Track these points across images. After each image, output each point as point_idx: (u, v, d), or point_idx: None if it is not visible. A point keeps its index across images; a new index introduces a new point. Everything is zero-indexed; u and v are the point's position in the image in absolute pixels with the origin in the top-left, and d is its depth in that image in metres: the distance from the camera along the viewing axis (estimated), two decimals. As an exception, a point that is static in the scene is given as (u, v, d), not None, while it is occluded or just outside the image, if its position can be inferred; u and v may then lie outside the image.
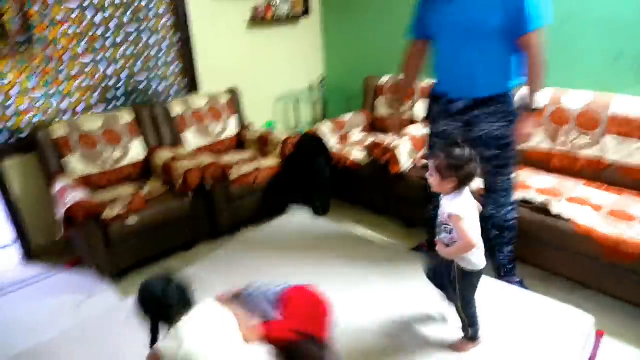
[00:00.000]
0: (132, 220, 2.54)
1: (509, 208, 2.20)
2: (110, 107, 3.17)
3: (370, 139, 3.43)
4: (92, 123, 2.89)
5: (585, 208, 2.30)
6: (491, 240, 2.29)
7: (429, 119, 2.27)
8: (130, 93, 3.26)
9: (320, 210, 3.28)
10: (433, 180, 1.63)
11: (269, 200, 3.18)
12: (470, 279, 1.67)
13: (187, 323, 1.31)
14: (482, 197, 2.24)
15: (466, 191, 1.63)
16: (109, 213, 2.51)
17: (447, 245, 1.64)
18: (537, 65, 1.92)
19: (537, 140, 2.79)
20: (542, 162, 2.76)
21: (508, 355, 1.72)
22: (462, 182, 1.59)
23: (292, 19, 3.96)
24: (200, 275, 2.39)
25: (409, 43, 2.24)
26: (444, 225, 1.65)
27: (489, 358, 1.70)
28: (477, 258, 1.64)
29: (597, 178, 2.57)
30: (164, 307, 1.32)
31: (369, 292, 2.13)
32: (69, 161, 2.78)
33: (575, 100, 2.65)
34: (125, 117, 3.03)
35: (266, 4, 3.75)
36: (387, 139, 2.96)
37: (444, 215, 1.63)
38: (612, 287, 2.17)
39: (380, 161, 2.92)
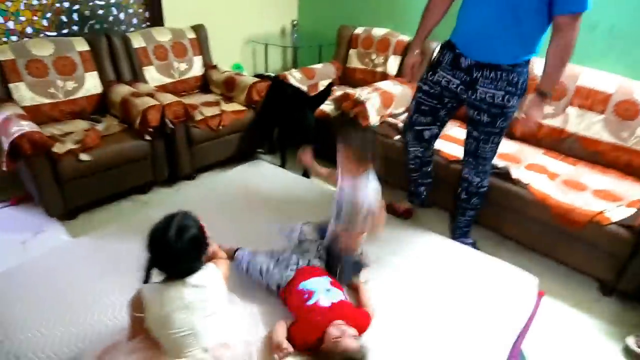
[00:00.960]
0: (86, 157, 2.40)
1: (485, 176, 2.23)
2: (64, 32, 2.91)
3: (340, 92, 3.37)
4: (43, 48, 2.65)
5: (542, 176, 2.37)
6: (458, 200, 2.34)
7: (430, 64, 2.16)
8: (87, 18, 3.00)
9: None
10: (343, 166, 1.61)
11: (245, 144, 3.11)
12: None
13: (180, 287, 1.21)
14: (454, 161, 2.29)
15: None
16: (60, 148, 2.36)
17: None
18: (565, 51, 1.78)
19: (504, 106, 2.82)
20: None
21: (455, 312, 1.78)
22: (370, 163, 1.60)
23: (267, -45, 3.71)
24: (156, 218, 2.32)
25: None
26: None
27: (436, 315, 1.76)
28: None
29: (556, 148, 2.65)
30: (168, 257, 1.20)
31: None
32: (16, 88, 2.55)
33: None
34: (81, 45, 2.80)
35: None
36: (357, 92, 2.90)
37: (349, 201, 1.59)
38: (557, 252, 2.29)
39: (350, 114, 2.87)
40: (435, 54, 2.18)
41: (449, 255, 2.06)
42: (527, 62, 1.93)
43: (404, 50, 3.32)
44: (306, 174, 3.05)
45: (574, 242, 2.17)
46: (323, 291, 1.49)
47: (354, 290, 1.63)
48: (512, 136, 2.78)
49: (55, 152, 2.32)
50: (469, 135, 2.17)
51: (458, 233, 2.41)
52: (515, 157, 2.55)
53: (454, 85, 2.05)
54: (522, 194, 2.28)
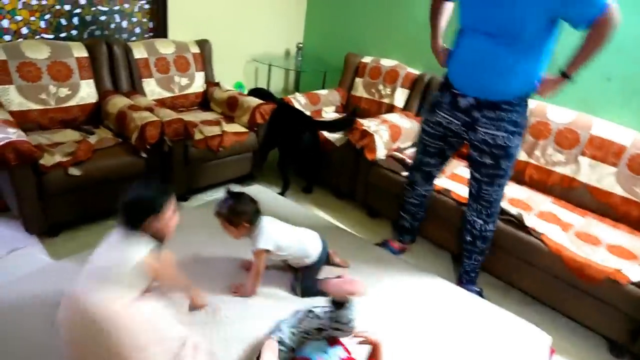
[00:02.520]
0: (75, 171, 2.22)
1: (491, 220, 2.15)
2: (62, 36, 2.75)
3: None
4: (38, 51, 2.48)
5: (555, 227, 2.30)
6: (463, 244, 2.25)
7: (430, 105, 2.14)
8: (88, 24, 2.84)
9: (307, 188, 3.17)
10: (230, 232, 1.70)
11: (243, 167, 3.03)
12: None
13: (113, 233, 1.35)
14: (465, 204, 2.22)
15: (265, 222, 1.75)
16: (48, 159, 2.17)
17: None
18: (601, 40, 1.68)
19: (514, 149, 2.77)
20: (517, 173, 2.74)
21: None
22: (254, 219, 1.71)
23: (279, -24, 3.65)
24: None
25: None
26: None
27: None
28: None
29: (566, 197, 2.60)
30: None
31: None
32: (4, 91, 2.37)
33: (559, 116, 2.64)
34: (79, 50, 2.63)
35: (254, -46, 3.41)
36: (366, 123, 2.81)
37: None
38: (568, 306, 2.19)
39: (357, 145, 2.77)
40: (433, 95, 2.17)
41: (459, 305, 1.95)
42: (526, 100, 1.91)
43: (413, 84, 3.26)
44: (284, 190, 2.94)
45: (586, 298, 2.09)
46: (319, 354, 1.38)
47: (369, 344, 1.49)
48: (521, 181, 2.73)
49: (42, 164, 2.13)
50: (472, 177, 2.11)
51: (465, 279, 2.31)
52: (525, 204, 2.47)
53: (455, 126, 2.03)
54: (535, 244, 2.19)
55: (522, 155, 2.73)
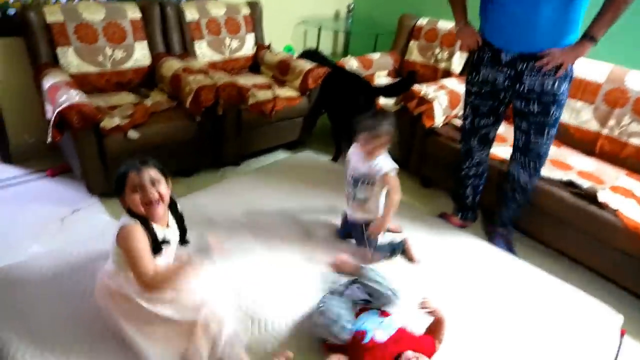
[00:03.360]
0: (134, 134, 2.23)
1: (536, 174, 2.09)
2: (115, -2, 2.72)
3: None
4: (94, 12, 2.47)
5: (630, 201, 2.14)
6: (502, 197, 2.24)
7: (472, 65, 2.07)
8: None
9: None
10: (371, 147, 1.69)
11: (295, 133, 2.98)
12: None
13: None
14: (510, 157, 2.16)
15: None
16: (108, 122, 2.18)
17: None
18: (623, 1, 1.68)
19: (584, 118, 2.58)
20: (586, 143, 2.57)
21: (532, 345, 1.60)
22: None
23: None
24: (200, 205, 2.16)
25: None
26: (361, 182, 1.74)
27: (512, 348, 1.58)
28: None
29: (642, 170, 2.41)
30: None
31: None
32: (64, 53, 2.38)
33: (638, 82, 2.42)
34: (133, 11, 2.61)
35: None
36: (424, 89, 2.68)
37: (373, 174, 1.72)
38: (640, 287, 2.07)
39: (413, 112, 2.65)
40: (474, 55, 2.04)
41: (523, 280, 1.87)
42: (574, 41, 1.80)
43: (473, 47, 3.06)
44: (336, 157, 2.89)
45: (663, 278, 1.96)
46: (376, 325, 1.35)
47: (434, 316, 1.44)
48: (590, 153, 2.55)
49: (103, 127, 2.15)
50: (518, 129, 2.03)
51: (497, 223, 2.31)
52: (596, 177, 2.31)
53: (501, 81, 1.95)
54: (609, 220, 2.05)
55: (593, 125, 2.55)
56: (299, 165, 2.61)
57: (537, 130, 1.95)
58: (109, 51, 2.51)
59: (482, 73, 1.99)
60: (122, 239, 1.26)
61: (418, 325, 1.44)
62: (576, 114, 2.60)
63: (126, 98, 2.50)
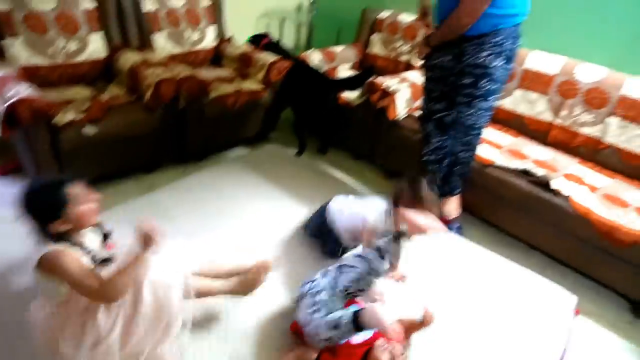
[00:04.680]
0: (90, 129, 2.15)
1: (469, 149, 2.15)
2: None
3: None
4: (43, 1, 2.35)
5: (582, 188, 2.25)
6: (441, 173, 2.27)
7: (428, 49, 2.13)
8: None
9: (322, 148, 3.07)
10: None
11: (259, 126, 2.94)
12: None
13: None
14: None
15: None
16: (62, 117, 2.09)
17: None
18: (453, 22, 1.84)
19: (539, 109, 2.68)
20: (541, 133, 2.67)
21: (493, 328, 1.67)
22: None
23: None
24: (164, 202, 2.12)
25: None
26: None
27: (473, 330, 1.64)
28: None
29: (592, 158, 2.53)
30: None
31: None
32: (11, 44, 2.26)
33: (588, 74, 2.53)
34: (86, 1, 2.49)
35: None
36: (386, 81, 2.71)
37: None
38: (592, 268, 2.18)
39: (376, 105, 2.68)
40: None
41: (481, 265, 1.95)
42: (515, 26, 1.90)
43: (433, 40, 3.12)
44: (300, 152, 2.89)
45: (613, 260, 2.06)
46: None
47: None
48: (545, 142, 2.66)
49: (57, 122, 2.06)
50: (452, 104, 2.09)
51: (440, 191, 2.30)
52: (550, 165, 2.41)
53: (446, 60, 2.01)
54: (562, 206, 2.15)
55: (547, 116, 2.65)
56: (263, 160, 2.61)
57: (466, 103, 2.01)
58: (61, 43, 2.40)
59: (434, 55, 2.07)
60: (51, 265, 1.16)
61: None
62: (531, 105, 2.70)
63: (81, 92, 2.40)
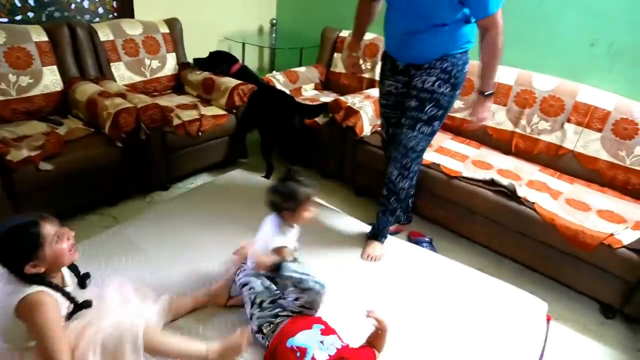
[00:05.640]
0: (47, 166, 2.07)
1: (407, 174, 2.03)
2: (18, 19, 2.53)
3: (325, 98, 3.20)
4: (-8, 37, 2.28)
5: (545, 195, 2.30)
6: (380, 198, 2.15)
7: (380, 77, 2.13)
8: (46, 4, 2.62)
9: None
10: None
11: (224, 151, 2.90)
12: None
13: None
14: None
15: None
16: (16, 155, 2.01)
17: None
18: (492, 50, 1.78)
19: (499, 120, 2.75)
20: (503, 143, 2.74)
21: (466, 340, 1.66)
22: None
23: (249, -53, 3.46)
24: (129, 236, 2.04)
25: None
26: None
27: (446, 343, 1.63)
28: None
29: (552, 164, 2.61)
30: None
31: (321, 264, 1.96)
32: (-42, 82, 2.17)
33: (542, 83, 2.63)
34: (38, 34, 2.43)
35: None
36: (350, 100, 2.73)
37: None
38: (561, 273, 2.22)
39: (342, 124, 2.69)
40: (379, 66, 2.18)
41: (453, 277, 1.94)
42: (463, 52, 1.89)
43: (393, 57, 3.18)
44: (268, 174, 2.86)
45: (580, 263, 2.11)
46: (316, 345, 1.32)
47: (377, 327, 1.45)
48: (507, 151, 2.72)
49: (9, 160, 1.97)
50: (400, 125, 2.04)
51: (371, 232, 2.13)
52: (513, 174, 2.47)
53: (400, 87, 2.02)
54: (528, 213, 2.19)
55: (507, 125, 2.72)
56: (230, 185, 2.55)
57: (410, 125, 1.96)
58: (12, 78, 2.32)
59: (386, 84, 2.07)
60: (31, 313, 1.09)
61: (359, 335, 1.44)
62: (492, 116, 2.77)
63: (36, 127, 2.32)
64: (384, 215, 2.13)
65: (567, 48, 2.66)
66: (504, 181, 2.32)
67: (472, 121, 2.01)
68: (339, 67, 3.41)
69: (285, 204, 1.53)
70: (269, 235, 1.56)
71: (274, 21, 3.78)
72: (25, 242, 1.12)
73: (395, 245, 2.08)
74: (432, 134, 1.98)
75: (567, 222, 2.09)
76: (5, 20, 2.48)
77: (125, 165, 2.42)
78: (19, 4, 2.51)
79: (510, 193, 2.26)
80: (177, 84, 3.09)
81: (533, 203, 2.20)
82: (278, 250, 1.51)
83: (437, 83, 1.88)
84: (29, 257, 1.12)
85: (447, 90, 1.89)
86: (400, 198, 2.10)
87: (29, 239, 1.12)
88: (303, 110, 2.82)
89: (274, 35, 3.78)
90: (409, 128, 1.96)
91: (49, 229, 1.15)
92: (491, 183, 2.32)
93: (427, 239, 2.41)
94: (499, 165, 2.54)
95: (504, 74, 2.73)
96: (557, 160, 2.59)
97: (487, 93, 1.90)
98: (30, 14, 2.58)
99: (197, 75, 3.00)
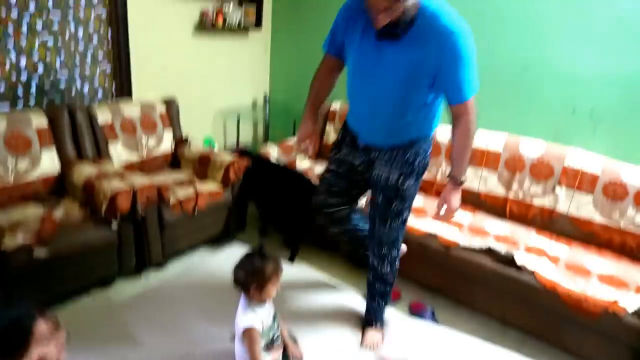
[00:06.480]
0: (41, 252, 2.04)
1: (386, 262, 1.98)
2: (19, 106, 2.61)
3: (319, 168, 3.24)
4: (-7, 124, 2.34)
5: (543, 259, 2.29)
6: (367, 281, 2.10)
7: (337, 142, 2.04)
8: (47, 92, 2.72)
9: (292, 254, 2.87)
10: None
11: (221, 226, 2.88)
12: None
13: None
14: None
15: None
16: (10, 242, 1.99)
17: None
18: (464, 137, 1.72)
19: (491, 185, 2.79)
20: (497, 207, 2.76)
21: None
22: None
23: (243, 29, 3.66)
24: (124, 321, 1.99)
25: (324, 54, 1.95)
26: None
27: None
28: None
29: (548, 227, 2.62)
30: None
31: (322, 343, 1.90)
32: (-43, 170, 2.20)
33: (531, 148, 2.70)
34: (38, 119, 2.50)
35: (217, 9, 3.41)
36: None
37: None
38: (567, 342, 2.16)
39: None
40: (340, 132, 2.04)
41: (460, 352, 1.89)
42: (426, 138, 1.83)
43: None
44: (292, 257, 2.82)
45: (585, 331, 2.07)
46: None
47: None
48: (502, 216, 2.74)
49: (4, 248, 1.95)
50: (369, 215, 2.00)
51: (366, 319, 2.11)
52: (511, 239, 2.47)
53: (357, 164, 1.92)
54: (529, 281, 2.17)
55: (500, 190, 2.76)
56: (228, 261, 2.53)
57: (380, 220, 1.91)
58: (10, 163, 2.35)
59: (342, 152, 1.97)
60: None
61: None
62: (484, 181, 2.82)
63: (32, 211, 2.31)
64: (372, 301, 2.06)
65: (551, 113, 2.77)
66: (502, 249, 2.31)
67: (439, 210, 1.86)
68: (331, 137, 3.50)
69: (251, 281, 1.51)
70: (239, 315, 1.55)
71: (267, 95, 3.93)
72: (12, 340, 1.06)
73: (396, 321, 2.04)
74: (404, 222, 1.93)
75: (569, 290, 2.07)
76: (7, 107, 2.56)
77: (120, 245, 2.40)
78: (20, 93, 2.60)
79: (509, 261, 2.24)
80: (174, 160, 3.14)
81: (533, 271, 2.18)
82: (247, 332, 1.48)
83: (401, 178, 1.81)
84: (12, 354, 1.06)
85: (411, 182, 1.83)
86: (387, 281, 2.03)
87: (18, 336, 1.06)
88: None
89: (267, 108, 3.92)
90: (381, 224, 1.90)
91: (43, 328, 1.10)
92: (489, 251, 2.32)
93: (428, 311, 2.36)
94: (495, 232, 2.54)
95: (492, 140, 2.81)
96: (552, 223, 2.61)
97: (460, 181, 1.80)
98: (32, 100, 2.66)
99: (193, 151, 3.06)
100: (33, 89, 2.65)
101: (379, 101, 1.73)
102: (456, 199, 1.82)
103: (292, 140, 3.48)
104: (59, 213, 2.31)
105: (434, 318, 2.34)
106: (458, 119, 1.70)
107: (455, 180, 1.80)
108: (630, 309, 1.95)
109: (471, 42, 1.58)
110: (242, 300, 1.58)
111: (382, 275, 2.00)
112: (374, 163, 1.86)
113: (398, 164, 1.80)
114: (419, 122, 1.77)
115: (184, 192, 2.65)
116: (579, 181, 2.53)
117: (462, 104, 1.65)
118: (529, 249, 2.39)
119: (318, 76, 1.97)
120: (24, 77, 2.59)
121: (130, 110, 2.92)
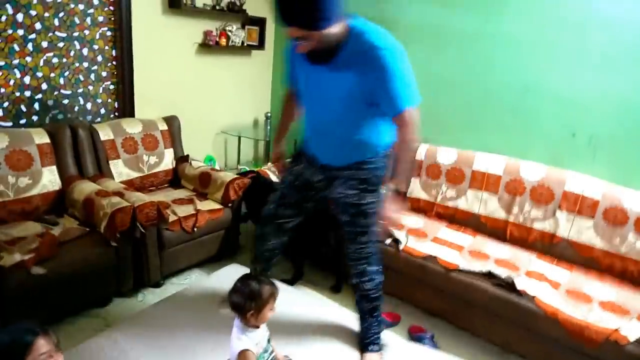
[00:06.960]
0: (39, 270, 2.03)
1: (365, 278, 1.96)
2: (23, 122, 2.62)
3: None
4: (-5, 141, 2.34)
5: (544, 285, 2.28)
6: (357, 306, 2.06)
7: (296, 155, 2.04)
8: (50, 108, 2.74)
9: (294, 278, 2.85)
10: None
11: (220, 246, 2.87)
12: None
13: None
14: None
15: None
16: (8, 259, 1.98)
17: None
18: (403, 147, 1.71)
19: (492, 208, 2.79)
20: (498, 231, 2.76)
21: None
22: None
23: (246, 48, 3.70)
24: (121, 342, 1.96)
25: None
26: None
27: None
28: None
29: (548, 252, 2.61)
30: None
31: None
32: (-43, 186, 2.19)
33: (531, 172, 2.71)
34: (40, 136, 2.51)
35: (221, 30, 3.46)
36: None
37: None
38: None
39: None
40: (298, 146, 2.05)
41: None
42: (380, 154, 1.81)
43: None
44: (294, 279, 2.80)
45: (586, 358, 2.04)
46: None
47: None
48: (502, 239, 2.73)
49: (2, 265, 1.94)
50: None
51: (362, 346, 2.03)
52: (511, 264, 2.45)
53: (315, 180, 1.92)
54: (529, 307, 2.15)
55: (500, 213, 2.76)
56: (225, 282, 2.50)
57: (351, 239, 1.91)
58: (11, 179, 2.35)
59: (301, 165, 1.95)
60: None
61: None
62: (484, 204, 2.82)
63: (31, 228, 2.31)
64: (363, 322, 2.02)
65: (551, 138, 2.79)
66: (502, 273, 2.30)
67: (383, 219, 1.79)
68: (332, 157, 3.52)
69: (248, 304, 1.49)
70: (233, 339, 1.53)
71: (269, 114, 3.95)
72: (13, 352, 1.09)
73: (395, 346, 2.01)
74: (375, 236, 1.91)
75: (571, 317, 2.05)
76: (9, 124, 2.57)
77: (119, 264, 2.38)
78: (24, 109, 2.62)
79: (509, 285, 2.23)
80: (175, 178, 3.15)
81: (533, 297, 2.16)
82: (242, 355, 1.46)
83: (360, 196, 1.81)
84: None
85: (371, 198, 1.82)
86: (372, 298, 1.98)
87: (17, 347, 1.09)
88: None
89: (268, 127, 3.93)
90: (351, 243, 1.91)
91: (40, 344, 1.12)
92: (489, 275, 2.30)
93: (428, 335, 2.33)
94: (495, 255, 2.53)
95: (493, 163, 2.82)
96: (552, 247, 2.60)
97: (395, 189, 1.76)
98: (34, 117, 2.67)
99: (194, 170, 3.07)
100: (36, 106, 2.67)
101: (327, 123, 1.77)
102: (393, 207, 1.76)
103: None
104: (57, 230, 2.30)
105: (433, 342, 2.32)
106: (398, 131, 1.71)
107: (395, 190, 1.79)
108: (632, 337, 1.93)
109: (402, 56, 1.59)
110: (237, 323, 1.57)
111: (366, 291, 1.97)
112: (333, 180, 1.86)
113: (355, 182, 1.81)
114: (371, 139, 1.77)
115: (183, 210, 2.65)
116: (580, 206, 2.54)
117: (398, 116, 1.65)
118: (529, 274, 2.37)
119: (282, 106, 2.10)
120: (27, 94, 2.61)
121: (132, 128, 2.94)
